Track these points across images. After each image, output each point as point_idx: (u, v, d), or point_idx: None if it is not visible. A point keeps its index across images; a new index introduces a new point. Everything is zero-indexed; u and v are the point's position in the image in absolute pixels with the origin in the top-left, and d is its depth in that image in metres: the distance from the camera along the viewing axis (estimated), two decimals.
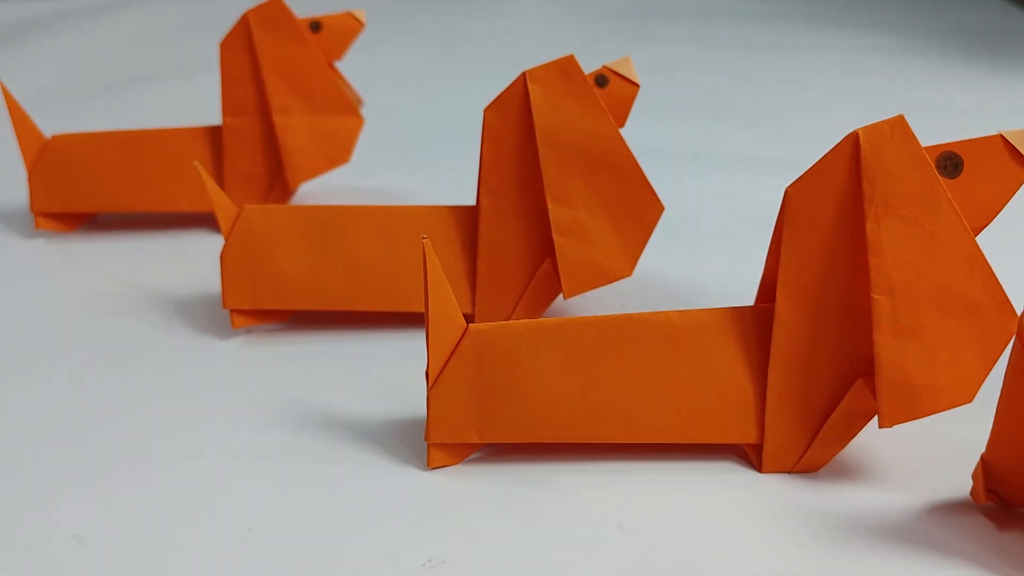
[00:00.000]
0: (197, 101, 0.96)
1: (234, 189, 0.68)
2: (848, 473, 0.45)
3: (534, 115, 0.52)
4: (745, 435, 0.45)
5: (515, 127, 0.53)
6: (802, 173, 0.42)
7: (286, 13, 0.66)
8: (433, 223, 0.56)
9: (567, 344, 0.45)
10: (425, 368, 0.45)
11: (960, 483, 0.44)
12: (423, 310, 0.54)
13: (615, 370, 0.45)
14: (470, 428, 0.45)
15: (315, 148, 0.67)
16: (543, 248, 0.54)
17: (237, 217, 0.55)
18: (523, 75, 0.52)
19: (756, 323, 0.44)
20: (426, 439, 0.45)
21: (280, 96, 0.66)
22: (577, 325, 0.45)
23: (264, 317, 0.56)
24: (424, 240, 0.42)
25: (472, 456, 0.46)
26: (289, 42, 0.66)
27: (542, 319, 0.45)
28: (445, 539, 0.41)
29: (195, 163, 0.54)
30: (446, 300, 0.44)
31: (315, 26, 0.66)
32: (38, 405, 0.51)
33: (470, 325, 0.45)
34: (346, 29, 0.67)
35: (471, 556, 0.41)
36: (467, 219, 0.56)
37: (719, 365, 0.45)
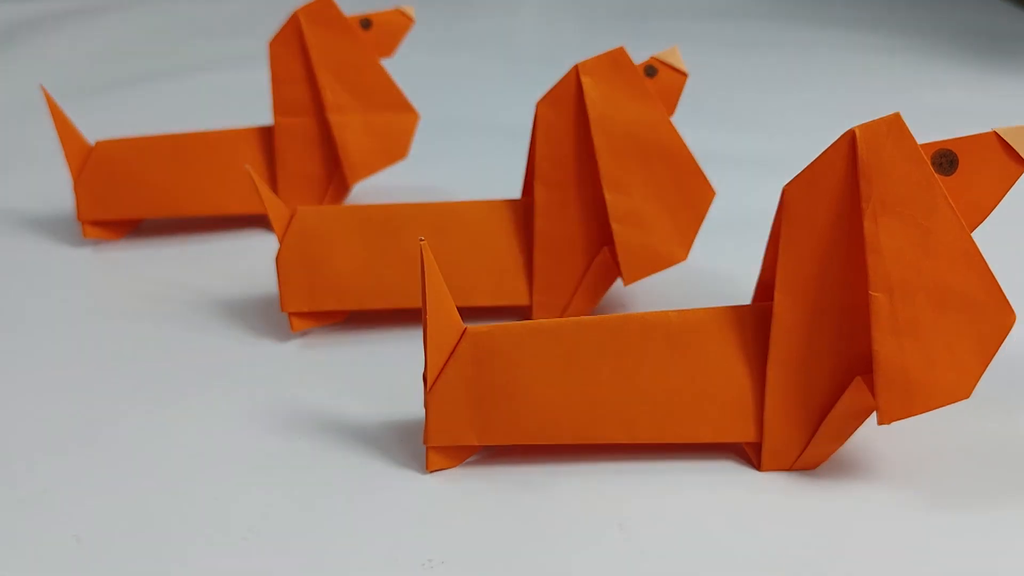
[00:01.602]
0: (198, 101, 0.96)
1: (289, 190, 0.67)
2: (846, 470, 0.45)
3: (588, 107, 0.52)
4: (744, 434, 0.45)
5: (569, 119, 0.53)
6: (799, 171, 0.43)
7: (336, 10, 0.65)
8: (487, 217, 0.56)
9: (565, 345, 0.45)
10: (423, 371, 0.45)
11: (959, 479, 0.44)
12: (482, 304, 0.56)
13: (614, 370, 0.45)
14: (469, 431, 0.45)
15: (372, 145, 0.67)
16: (599, 237, 0.55)
17: (290, 219, 0.55)
18: (575, 68, 0.53)
19: (754, 321, 0.44)
20: (424, 442, 0.45)
21: (335, 94, 0.65)
22: (575, 326, 0.45)
23: (322, 319, 0.56)
24: (422, 242, 0.42)
25: (471, 457, 0.46)
26: (341, 39, 0.65)
27: (539, 320, 0.45)
28: (445, 539, 0.41)
29: (245, 166, 0.53)
30: (444, 302, 0.44)
31: (365, 23, 0.66)
32: (39, 405, 0.51)
33: (467, 327, 0.45)
34: (396, 26, 0.66)
35: (471, 556, 0.41)
36: (520, 212, 0.56)
37: (718, 364, 0.44)
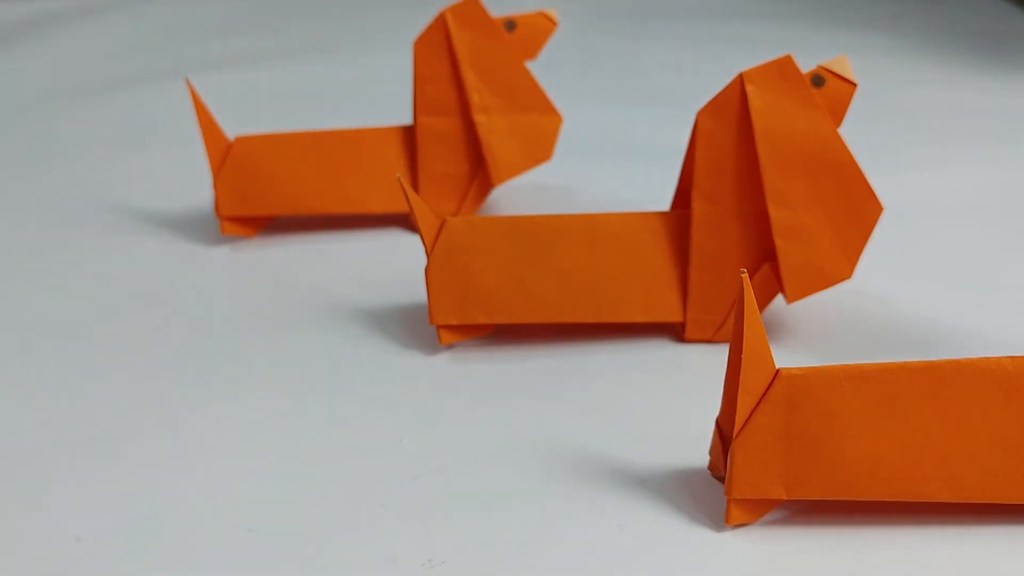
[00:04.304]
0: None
1: (430, 190, 0.67)
2: None
3: (752, 117, 0.51)
4: None
5: (732, 130, 0.51)
6: None
7: (483, 11, 0.65)
8: (640, 229, 0.54)
9: (888, 391, 0.40)
10: (718, 416, 0.43)
11: None
12: (635, 320, 0.54)
13: (941, 421, 0.40)
14: (777, 483, 0.41)
15: (517, 147, 0.66)
16: (760, 253, 0.53)
17: (440, 230, 0.54)
18: (739, 77, 0.51)
19: None
20: (726, 494, 0.41)
21: (481, 95, 0.65)
22: (899, 370, 0.41)
23: (470, 332, 0.55)
24: (743, 273, 0.40)
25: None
26: (488, 40, 0.65)
27: (860, 364, 0.41)
28: (445, 539, 0.41)
29: (397, 175, 0.53)
30: (759, 341, 0.40)
31: (510, 25, 0.65)
32: (45, 404, 0.50)
33: (780, 369, 0.41)
34: (540, 29, 0.66)
35: (471, 556, 0.40)
36: (675, 225, 0.54)
37: None
